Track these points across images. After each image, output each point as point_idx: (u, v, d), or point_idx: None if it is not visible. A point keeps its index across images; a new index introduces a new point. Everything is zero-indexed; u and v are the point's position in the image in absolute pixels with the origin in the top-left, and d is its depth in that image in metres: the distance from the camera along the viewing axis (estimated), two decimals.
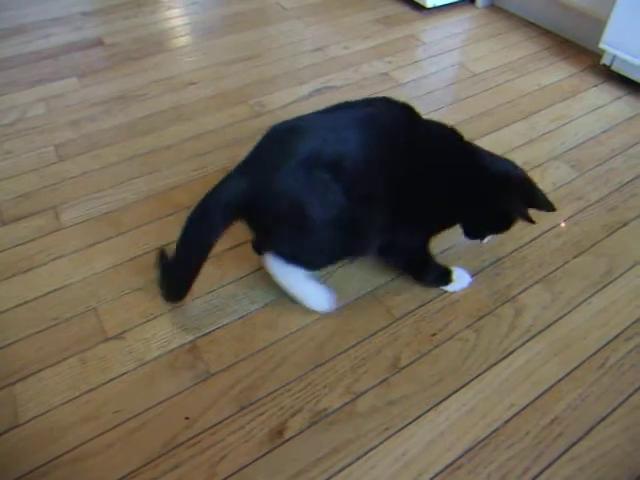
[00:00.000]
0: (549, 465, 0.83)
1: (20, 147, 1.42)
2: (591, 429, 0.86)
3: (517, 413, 0.88)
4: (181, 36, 1.95)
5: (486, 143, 1.39)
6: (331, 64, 1.73)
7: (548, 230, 1.18)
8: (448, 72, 1.70)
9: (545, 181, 1.30)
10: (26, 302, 1.06)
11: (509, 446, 0.85)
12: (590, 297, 1.05)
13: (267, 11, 2.06)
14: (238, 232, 1.16)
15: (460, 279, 1.07)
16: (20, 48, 1.87)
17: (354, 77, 1.67)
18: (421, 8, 1.99)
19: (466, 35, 1.88)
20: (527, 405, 0.89)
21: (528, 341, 0.98)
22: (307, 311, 1.03)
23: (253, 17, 2.01)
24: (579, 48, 1.78)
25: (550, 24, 1.87)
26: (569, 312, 1.03)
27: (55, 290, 1.07)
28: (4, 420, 0.88)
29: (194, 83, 1.66)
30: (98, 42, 1.89)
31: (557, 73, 1.68)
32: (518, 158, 1.34)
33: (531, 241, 1.16)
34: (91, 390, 0.92)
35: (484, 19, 1.96)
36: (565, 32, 1.84)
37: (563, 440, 0.85)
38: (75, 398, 0.91)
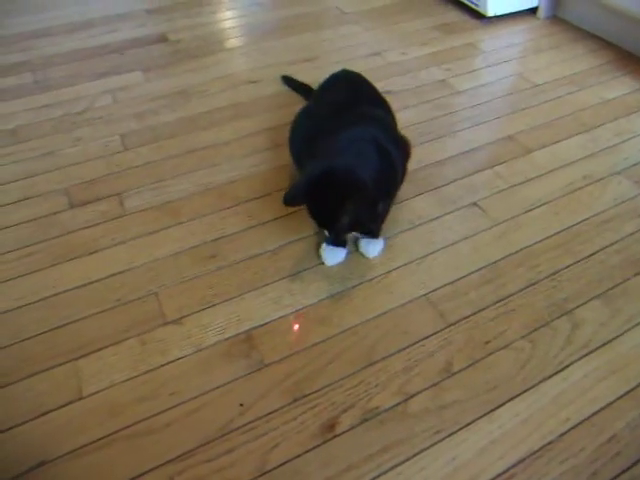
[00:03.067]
0: None
1: (88, 135, 1.49)
2: None
3: (573, 427, 0.87)
4: (241, 36, 1.99)
5: (545, 155, 1.39)
6: (389, 69, 1.74)
7: (608, 246, 1.15)
8: (507, 82, 1.69)
9: (606, 196, 1.27)
10: (90, 283, 1.10)
11: (563, 460, 0.83)
12: None
13: (326, 15, 2.09)
14: (295, 229, 1.19)
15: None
16: (88, 42, 1.96)
17: (412, 83, 1.67)
18: (481, 17, 1.98)
19: (526, 45, 1.86)
20: (583, 420, 0.88)
21: (585, 356, 0.96)
22: (361, 309, 1.04)
23: (312, 20, 2.05)
24: None
25: (613, 37, 1.83)
26: (629, 330, 1.00)
27: (118, 273, 1.12)
28: (68, 392, 0.92)
29: (254, 82, 1.69)
30: (162, 38, 1.95)
31: (620, 87, 1.64)
32: (578, 171, 1.34)
33: (590, 255, 1.13)
34: (149, 371, 0.95)
35: (545, 30, 1.93)
36: (629, 45, 1.79)
37: (621, 459, 0.83)
38: (134, 377, 0.94)
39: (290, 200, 1.00)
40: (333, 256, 1.11)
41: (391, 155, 1.04)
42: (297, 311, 1.04)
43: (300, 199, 1.01)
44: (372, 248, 1.13)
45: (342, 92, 1.22)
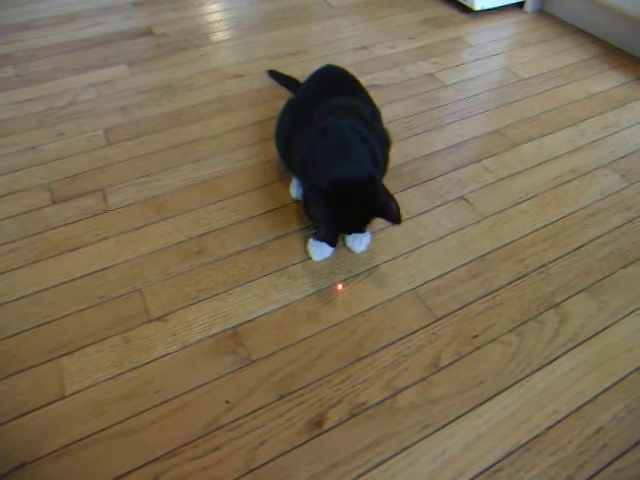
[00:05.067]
0: (592, 476, 0.81)
1: (71, 129, 1.46)
2: (638, 442, 0.84)
3: (560, 420, 0.87)
4: (228, 29, 1.97)
5: (533, 148, 1.39)
6: (376, 63, 1.73)
7: (595, 239, 1.16)
8: (494, 76, 1.68)
9: (593, 190, 1.27)
10: (73, 280, 1.08)
11: (551, 453, 0.83)
12: (638, 309, 1.03)
13: (313, 8, 2.07)
14: (281, 224, 1.18)
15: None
16: (72, 35, 1.92)
17: (399, 77, 1.66)
18: (468, 11, 1.98)
19: (514, 39, 1.86)
20: (570, 413, 0.88)
21: (572, 349, 0.96)
22: (348, 304, 1.03)
23: (299, 13, 2.03)
24: (630, 57, 1.74)
25: (600, 32, 1.84)
26: (616, 322, 1.00)
27: (102, 269, 1.10)
28: (50, 391, 0.90)
29: (240, 76, 1.67)
30: (147, 32, 1.92)
31: (607, 81, 1.64)
32: (565, 165, 1.34)
33: (577, 248, 1.14)
34: (134, 369, 0.94)
35: (532, 24, 1.93)
36: (616, 40, 1.80)
37: (608, 451, 0.83)
38: (118, 375, 0.93)
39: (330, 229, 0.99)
40: (321, 251, 1.10)
41: (370, 141, 1.04)
42: (284, 307, 1.03)
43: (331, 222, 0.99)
44: (359, 243, 1.12)
45: (324, 86, 1.21)
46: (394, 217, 0.98)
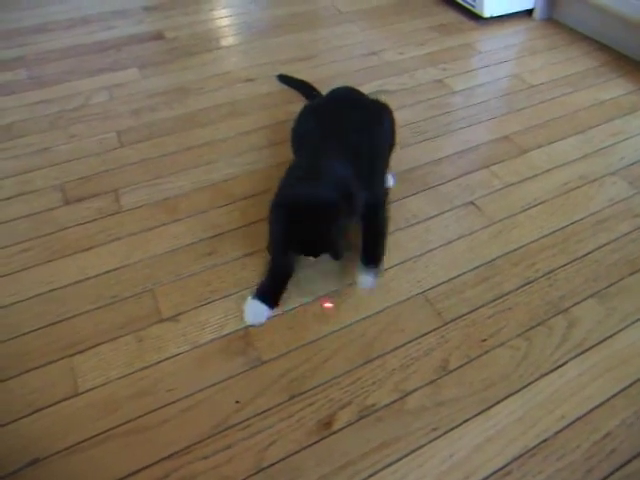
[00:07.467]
0: None
1: (84, 131, 1.48)
2: None
3: (568, 425, 0.87)
4: (238, 34, 1.99)
5: (541, 155, 1.40)
6: (385, 68, 1.75)
7: (604, 245, 1.16)
8: (503, 82, 1.69)
9: (601, 196, 1.28)
10: (86, 279, 1.10)
11: (559, 458, 0.84)
12: None
13: (323, 13, 2.09)
14: None
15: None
16: (84, 38, 1.95)
17: (409, 82, 1.68)
18: (477, 18, 1.99)
19: (522, 47, 1.87)
20: (578, 418, 0.88)
21: (581, 354, 0.97)
22: (357, 307, 1.04)
23: (309, 19, 2.05)
24: (637, 64, 1.75)
25: (608, 39, 1.85)
26: (624, 328, 1.01)
27: (114, 269, 1.11)
28: (64, 389, 0.92)
29: (251, 80, 1.69)
30: (159, 36, 1.95)
31: (615, 89, 1.65)
32: (574, 171, 1.35)
33: (586, 255, 1.14)
34: (146, 368, 0.95)
35: (541, 32, 1.94)
36: (624, 48, 1.81)
37: (616, 457, 0.83)
38: (130, 374, 0.94)
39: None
40: (254, 314, 1.03)
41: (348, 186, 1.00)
42: (294, 309, 1.04)
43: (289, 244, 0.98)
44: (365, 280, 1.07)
45: (343, 112, 1.17)
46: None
